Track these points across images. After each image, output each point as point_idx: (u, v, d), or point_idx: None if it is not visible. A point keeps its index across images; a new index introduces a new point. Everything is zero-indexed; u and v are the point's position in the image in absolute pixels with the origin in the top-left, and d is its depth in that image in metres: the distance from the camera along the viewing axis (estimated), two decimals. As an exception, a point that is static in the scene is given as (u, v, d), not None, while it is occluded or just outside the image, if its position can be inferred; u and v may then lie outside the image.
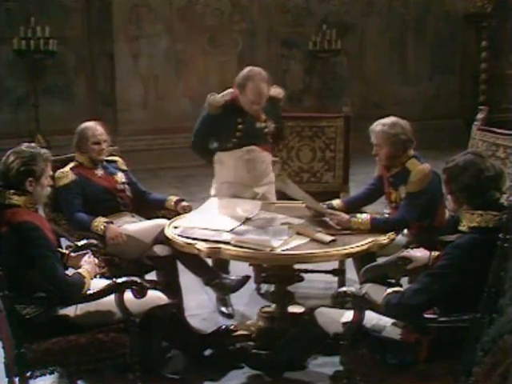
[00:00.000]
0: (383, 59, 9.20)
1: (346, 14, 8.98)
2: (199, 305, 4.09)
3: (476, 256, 2.32)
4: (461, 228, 2.43)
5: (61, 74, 8.04)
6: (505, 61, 9.14)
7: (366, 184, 3.59)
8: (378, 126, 3.33)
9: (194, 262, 3.59)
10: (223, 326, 3.44)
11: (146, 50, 8.08)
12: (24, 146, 2.71)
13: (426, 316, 2.44)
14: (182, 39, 8.17)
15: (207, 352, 3.35)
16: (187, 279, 3.88)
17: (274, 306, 3.48)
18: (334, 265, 4.01)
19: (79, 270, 2.74)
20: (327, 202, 3.48)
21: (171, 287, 3.55)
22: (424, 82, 9.34)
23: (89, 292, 2.68)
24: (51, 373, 2.72)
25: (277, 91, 3.75)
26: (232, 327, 3.45)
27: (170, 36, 8.13)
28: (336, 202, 3.50)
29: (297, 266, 3.85)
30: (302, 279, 3.51)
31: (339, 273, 3.98)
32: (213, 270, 3.66)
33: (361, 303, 2.54)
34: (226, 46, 8.39)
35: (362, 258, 3.30)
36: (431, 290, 2.38)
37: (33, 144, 2.75)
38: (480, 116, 3.73)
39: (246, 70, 3.58)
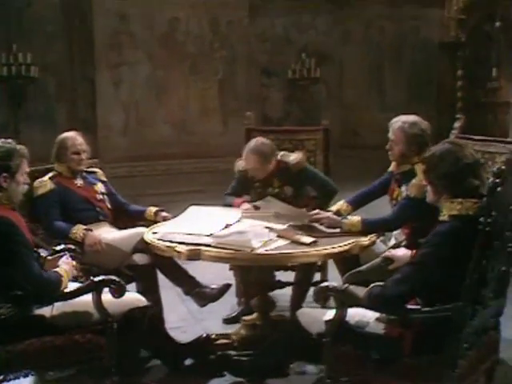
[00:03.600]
0: (361, 87, 9.37)
1: (323, 44, 9.17)
2: (180, 318, 4.02)
3: (457, 243, 2.31)
4: (441, 218, 2.42)
5: (42, 100, 8.04)
6: (481, 89, 9.32)
7: (377, 179, 3.56)
8: (399, 122, 3.29)
9: (174, 271, 3.57)
10: (204, 335, 3.38)
11: (127, 76, 8.15)
12: (0, 142, 2.68)
13: (408, 307, 2.41)
14: (163, 66, 8.26)
15: (188, 361, 3.29)
16: (167, 293, 3.83)
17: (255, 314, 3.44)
18: (317, 277, 3.98)
19: (56, 269, 2.69)
20: (331, 209, 3.45)
21: (151, 296, 3.48)
22: (402, 109, 9.40)
23: (66, 290, 2.62)
24: (25, 376, 2.63)
25: (291, 158, 3.77)
26: (213, 336, 3.40)
27: (151, 63, 8.22)
28: (343, 208, 3.45)
29: (279, 277, 3.86)
30: (283, 286, 3.47)
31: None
32: (193, 278, 3.61)
33: (343, 297, 2.51)
34: (206, 73, 8.50)
35: (346, 263, 3.29)
36: (413, 279, 2.36)
37: (9, 140, 2.72)
38: (457, 124, 3.78)
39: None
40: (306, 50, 8.95)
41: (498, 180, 2.18)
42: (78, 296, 2.64)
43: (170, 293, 3.96)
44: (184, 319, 4.02)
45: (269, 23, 8.97)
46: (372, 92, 9.47)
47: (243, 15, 8.63)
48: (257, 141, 3.73)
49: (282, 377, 3.21)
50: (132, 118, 8.26)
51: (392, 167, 3.49)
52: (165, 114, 8.36)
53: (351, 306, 2.59)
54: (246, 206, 3.69)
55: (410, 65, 9.50)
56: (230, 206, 3.76)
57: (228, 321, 3.92)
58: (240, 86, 8.60)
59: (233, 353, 3.32)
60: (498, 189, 2.19)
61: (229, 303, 4.03)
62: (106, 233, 3.62)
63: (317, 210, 3.41)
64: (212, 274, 3.92)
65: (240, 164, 3.89)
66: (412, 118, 3.32)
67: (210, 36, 8.50)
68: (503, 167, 2.19)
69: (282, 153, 3.83)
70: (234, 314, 3.93)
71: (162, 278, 3.74)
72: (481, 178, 2.38)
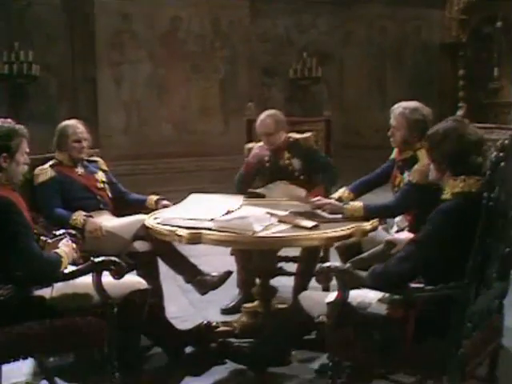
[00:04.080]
0: (362, 87, 9.37)
1: (325, 44, 9.18)
2: (180, 309, 4.00)
3: (460, 220, 2.27)
4: (444, 196, 2.40)
5: (43, 100, 8.02)
6: (482, 90, 9.32)
7: (380, 167, 3.56)
8: (400, 108, 3.28)
9: (175, 259, 3.55)
10: (204, 322, 3.35)
11: (129, 75, 8.15)
12: None
13: (411, 286, 2.38)
14: (165, 65, 8.26)
15: (188, 349, 3.27)
16: (168, 285, 3.83)
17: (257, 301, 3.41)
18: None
19: (56, 250, 2.66)
20: (333, 196, 3.46)
21: (151, 284, 3.45)
22: (403, 110, 9.47)
23: (66, 271, 2.60)
24: (25, 358, 2.60)
25: (300, 135, 4.08)
26: (213, 324, 3.37)
27: (152, 62, 8.22)
28: (344, 195, 3.46)
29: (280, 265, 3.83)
30: (286, 273, 3.45)
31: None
32: (194, 266, 3.59)
33: (345, 277, 2.47)
34: (208, 72, 8.50)
35: (348, 253, 3.27)
36: (416, 257, 2.33)
37: (8, 120, 2.70)
38: (459, 113, 3.77)
39: None
40: (307, 50, 8.95)
41: (501, 154, 2.16)
42: (77, 277, 2.61)
43: (170, 284, 3.96)
44: (185, 310, 4.00)
45: (270, 23, 8.98)
46: (373, 92, 9.47)
47: (244, 15, 8.65)
48: (270, 110, 4.01)
49: (284, 365, 3.18)
50: (133, 117, 8.25)
51: (394, 154, 3.48)
52: (166, 113, 8.36)
53: (354, 288, 2.58)
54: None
55: (411, 65, 9.51)
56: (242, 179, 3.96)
57: (226, 311, 3.90)
58: (241, 86, 8.61)
59: (234, 340, 3.30)
60: (502, 163, 2.17)
61: (230, 293, 4.01)
62: (107, 221, 3.61)
63: (318, 197, 3.40)
64: (212, 266, 3.90)
65: (249, 145, 4.11)
66: (413, 103, 3.30)
67: (212, 35, 8.52)
68: (507, 141, 2.17)
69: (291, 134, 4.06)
70: (232, 304, 3.92)
71: (162, 271, 3.72)
72: (484, 156, 2.36)
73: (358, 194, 3.50)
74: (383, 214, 3.23)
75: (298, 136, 4.04)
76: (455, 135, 2.36)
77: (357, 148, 9.00)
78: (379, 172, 3.54)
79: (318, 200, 3.29)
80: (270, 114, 3.95)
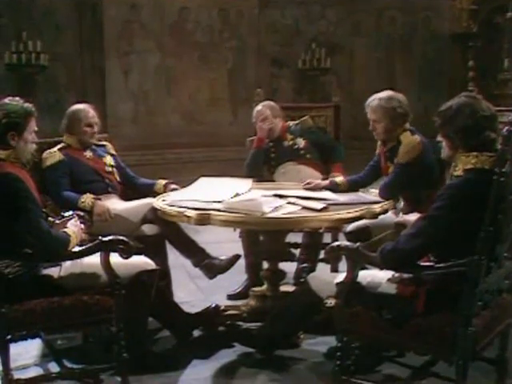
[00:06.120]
0: (371, 78, 9.31)
1: (334, 34, 9.13)
2: (188, 295, 4.00)
3: (471, 195, 2.24)
4: (456, 173, 2.36)
5: (51, 90, 8.03)
6: (492, 81, 9.24)
7: (368, 163, 3.57)
8: (375, 100, 3.31)
9: (184, 242, 3.52)
10: (212, 305, 3.34)
11: (137, 65, 8.14)
12: (7, 100, 2.65)
13: (422, 264, 2.36)
14: (173, 55, 8.25)
15: (196, 333, 3.26)
16: (177, 271, 3.83)
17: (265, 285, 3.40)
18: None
19: (65, 229, 2.65)
20: (330, 179, 3.53)
21: (159, 268, 3.45)
22: (412, 101, 9.39)
23: (74, 250, 2.59)
24: (33, 337, 2.61)
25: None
26: (222, 307, 3.36)
27: (160, 52, 8.21)
28: (339, 179, 3.51)
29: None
30: (293, 256, 3.43)
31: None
32: (202, 250, 3.57)
33: (355, 256, 2.45)
34: (216, 62, 8.48)
35: (357, 238, 3.25)
36: (426, 233, 2.29)
37: (17, 98, 2.69)
38: (470, 96, 3.72)
39: None
40: (316, 40, 8.92)
41: (513, 128, 2.12)
42: (85, 255, 2.61)
43: (178, 271, 3.95)
44: (193, 295, 4.00)
45: (279, 14, 8.95)
46: (382, 83, 9.39)
47: (253, 5, 8.62)
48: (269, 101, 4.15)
49: (293, 348, 3.17)
50: (141, 107, 8.25)
51: (378, 149, 3.49)
52: (174, 104, 8.35)
53: (363, 267, 2.56)
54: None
55: (420, 56, 9.43)
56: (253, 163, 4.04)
57: (233, 297, 3.89)
58: (249, 77, 8.59)
59: (242, 323, 3.29)
60: (514, 138, 2.14)
61: (239, 280, 3.99)
62: (115, 204, 3.60)
63: (309, 180, 3.53)
64: (220, 254, 3.89)
65: (251, 138, 4.14)
66: (386, 92, 3.38)
67: (220, 26, 8.50)
68: (519, 116, 2.14)
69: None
70: (238, 290, 3.91)
71: (171, 258, 3.71)
72: (497, 132, 2.33)
73: (349, 186, 3.50)
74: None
75: (295, 121, 4.13)
76: (468, 110, 2.33)
77: (365, 139, 8.93)
78: (369, 169, 3.56)
79: (308, 182, 3.45)
80: (264, 103, 4.10)
